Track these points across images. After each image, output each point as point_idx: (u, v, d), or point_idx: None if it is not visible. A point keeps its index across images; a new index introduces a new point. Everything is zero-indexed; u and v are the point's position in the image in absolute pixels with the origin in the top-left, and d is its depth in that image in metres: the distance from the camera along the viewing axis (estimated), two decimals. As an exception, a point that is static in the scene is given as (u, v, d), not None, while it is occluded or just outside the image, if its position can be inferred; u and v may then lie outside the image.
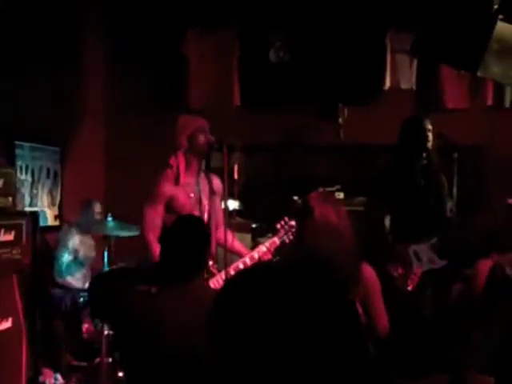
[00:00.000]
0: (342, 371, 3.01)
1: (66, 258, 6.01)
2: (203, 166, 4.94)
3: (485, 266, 3.91)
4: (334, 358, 2.93)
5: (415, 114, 6.52)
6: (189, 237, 3.27)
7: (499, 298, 3.61)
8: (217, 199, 4.88)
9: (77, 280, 6.03)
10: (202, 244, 3.33)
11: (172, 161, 4.78)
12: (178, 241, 3.27)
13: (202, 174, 4.88)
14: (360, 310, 3.55)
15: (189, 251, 3.23)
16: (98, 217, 6.16)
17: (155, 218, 4.72)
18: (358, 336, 3.42)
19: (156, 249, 4.69)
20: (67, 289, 5.97)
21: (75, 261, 6.07)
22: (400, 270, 5.21)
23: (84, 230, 6.10)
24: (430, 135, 5.34)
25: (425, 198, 5.38)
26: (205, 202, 4.82)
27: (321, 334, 3.01)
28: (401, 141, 5.42)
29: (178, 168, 4.76)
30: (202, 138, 4.77)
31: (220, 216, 4.86)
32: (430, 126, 5.34)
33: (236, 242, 4.90)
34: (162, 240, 3.30)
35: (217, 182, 4.90)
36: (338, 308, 3.23)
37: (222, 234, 4.68)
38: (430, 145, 5.35)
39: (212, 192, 4.86)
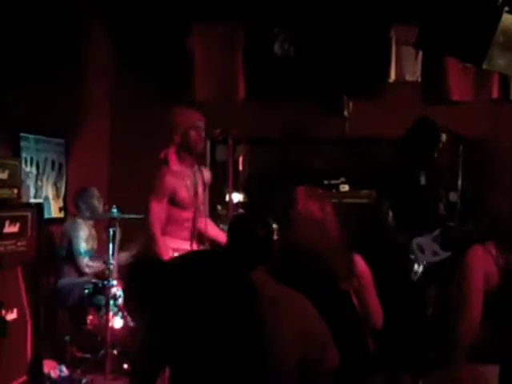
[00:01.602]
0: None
1: (82, 244, 6.06)
2: (197, 159, 5.02)
3: (474, 251, 3.91)
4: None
5: (421, 108, 6.54)
6: (255, 228, 3.29)
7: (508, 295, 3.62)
8: (205, 191, 5.13)
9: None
10: (267, 235, 3.35)
11: (162, 155, 4.87)
12: (246, 231, 3.29)
13: (196, 166, 4.95)
14: (356, 302, 3.59)
15: (255, 241, 3.26)
16: (96, 203, 6.19)
17: (160, 211, 4.83)
18: (352, 324, 3.46)
19: (160, 241, 4.78)
20: (81, 274, 6.02)
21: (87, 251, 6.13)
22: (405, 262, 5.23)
23: (88, 219, 6.14)
24: (440, 144, 5.35)
25: (425, 193, 5.40)
26: (200, 194, 4.95)
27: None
28: (409, 138, 5.42)
29: (168, 159, 4.87)
30: (194, 135, 4.85)
31: (205, 206, 5.02)
32: (443, 138, 5.35)
33: (215, 230, 5.22)
34: (229, 230, 3.34)
35: (207, 175, 5.11)
36: (325, 296, 3.28)
37: (203, 223, 5.02)
38: (437, 153, 5.37)
39: (204, 184, 5.03)
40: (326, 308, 3.15)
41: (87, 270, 6.04)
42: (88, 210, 6.15)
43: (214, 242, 5.07)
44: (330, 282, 3.44)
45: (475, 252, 3.87)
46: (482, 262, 3.75)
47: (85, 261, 6.04)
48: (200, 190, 4.97)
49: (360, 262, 3.68)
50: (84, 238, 6.09)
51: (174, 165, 4.88)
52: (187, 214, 4.94)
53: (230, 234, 3.36)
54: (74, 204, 6.27)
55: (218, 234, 5.13)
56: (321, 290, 3.32)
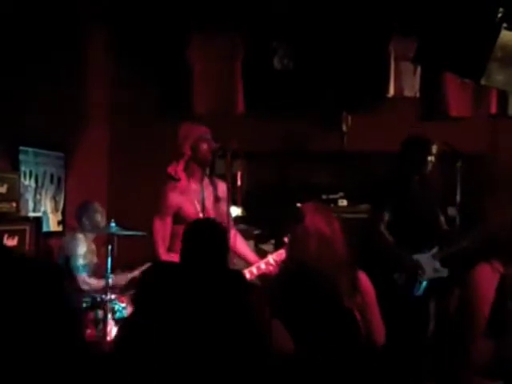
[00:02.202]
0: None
1: (80, 261, 6.03)
2: (207, 172, 4.97)
3: (483, 270, 3.90)
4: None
5: (419, 124, 6.57)
6: (209, 238, 3.26)
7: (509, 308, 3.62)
8: (222, 204, 4.90)
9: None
10: (223, 245, 3.33)
11: (171, 169, 4.83)
12: (200, 243, 3.26)
13: (207, 180, 4.92)
14: (359, 318, 3.58)
15: (210, 253, 3.22)
16: (99, 217, 6.17)
17: (164, 229, 4.79)
18: (351, 340, 3.45)
19: (165, 259, 4.74)
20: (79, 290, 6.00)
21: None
22: (404, 278, 5.22)
23: (88, 233, 6.12)
24: (433, 158, 5.38)
25: (421, 209, 5.40)
26: (209, 208, 4.86)
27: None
28: (402, 157, 5.45)
29: (178, 175, 4.82)
30: (204, 146, 4.83)
31: (225, 221, 4.88)
32: (434, 150, 5.38)
33: (243, 247, 5.03)
34: (182, 243, 3.29)
35: (222, 187, 4.93)
36: (328, 313, 3.26)
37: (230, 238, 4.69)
38: (430, 166, 5.39)
39: (217, 198, 4.91)
40: (330, 325, 3.15)
41: (85, 287, 6.01)
42: (90, 225, 6.12)
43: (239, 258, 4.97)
44: (333, 299, 3.43)
45: (483, 270, 3.85)
46: (492, 282, 3.73)
47: (82, 277, 6.00)
48: (209, 204, 4.88)
49: (364, 279, 3.67)
50: (82, 253, 6.03)
51: (183, 180, 4.86)
52: None
53: (185, 246, 3.31)
54: (76, 218, 6.24)
55: (246, 252, 4.99)
56: (325, 306, 3.32)
